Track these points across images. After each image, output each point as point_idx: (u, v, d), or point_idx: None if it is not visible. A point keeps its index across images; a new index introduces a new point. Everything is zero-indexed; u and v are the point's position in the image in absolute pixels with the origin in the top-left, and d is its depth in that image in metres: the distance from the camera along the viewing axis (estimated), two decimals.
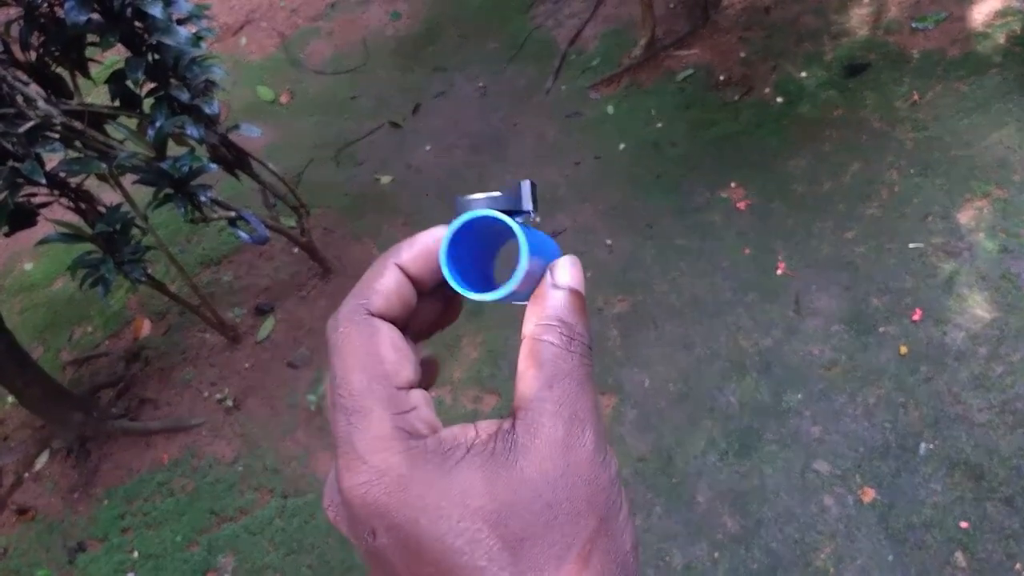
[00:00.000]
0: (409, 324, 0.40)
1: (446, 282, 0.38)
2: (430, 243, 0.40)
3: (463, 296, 0.38)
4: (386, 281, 0.39)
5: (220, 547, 3.67)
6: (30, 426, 4.27)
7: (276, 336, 4.34)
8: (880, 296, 3.74)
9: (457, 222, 0.38)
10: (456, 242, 0.39)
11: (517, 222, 0.37)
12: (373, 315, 0.38)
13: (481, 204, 0.38)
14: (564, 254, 0.42)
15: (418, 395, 0.37)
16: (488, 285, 0.38)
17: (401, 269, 0.39)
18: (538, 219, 0.41)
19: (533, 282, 0.39)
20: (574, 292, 0.39)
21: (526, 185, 0.39)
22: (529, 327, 0.38)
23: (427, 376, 0.43)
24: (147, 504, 3.87)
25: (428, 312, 0.43)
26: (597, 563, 0.34)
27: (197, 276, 4.64)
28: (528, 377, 0.36)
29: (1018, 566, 2.98)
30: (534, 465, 0.34)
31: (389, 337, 0.37)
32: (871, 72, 4.66)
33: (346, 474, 0.35)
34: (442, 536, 0.33)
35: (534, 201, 0.39)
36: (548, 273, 0.39)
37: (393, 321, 0.38)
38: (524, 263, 0.37)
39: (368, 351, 0.37)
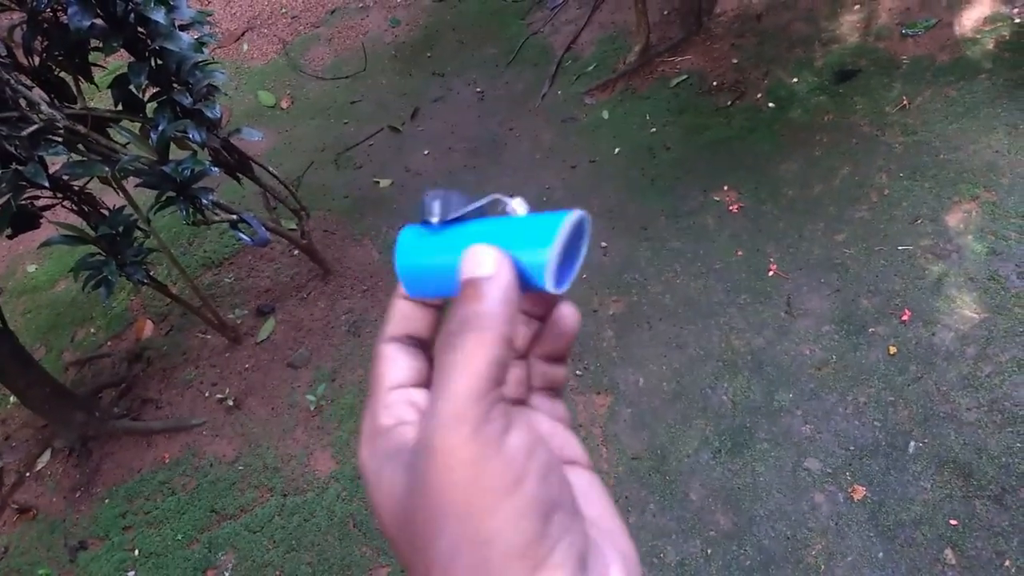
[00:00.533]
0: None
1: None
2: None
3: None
4: (391, 313, 0.47)
5: (220, 545, 3.71)
6: (32, 426, 4.31)
7: (276, 337, 4.39)
8: (870, 297, 3.79)
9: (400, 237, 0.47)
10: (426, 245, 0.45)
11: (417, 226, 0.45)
12: (385, 341, 0.46)
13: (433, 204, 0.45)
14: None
15: (397, 393, 0.43)
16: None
17: (403, 297, 0.47)
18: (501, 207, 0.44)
19: None
20: (475, 282, 0.39)
21: (424, 199, 0.45)
22: None
23: (561, 332, 0.47)
24: (148, 503, 3.92)
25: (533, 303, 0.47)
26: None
27: (198, 278, 4.69)
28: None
29: (1007, 563, 3.03)
30: (410, 468, 0.37)
31: (386, 354, 0.45)
32: (861, 78, 4.73)
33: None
34: (381, 520, 0.39)
35: (431, 211, 0.44)
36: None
37: (408, 335, 0.46)
38: (399, 266, 0.45)
39: (373, 369, 0.45)
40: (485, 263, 0.39)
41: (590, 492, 0.42)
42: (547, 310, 0.47)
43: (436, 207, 0.44)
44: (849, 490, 3.29)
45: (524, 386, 0.47)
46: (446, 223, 0.44)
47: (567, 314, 0.46)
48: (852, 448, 3.39)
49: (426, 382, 0.44)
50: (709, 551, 3.26)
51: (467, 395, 0.35)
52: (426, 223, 0.45)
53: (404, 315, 0.46)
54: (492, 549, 0.33)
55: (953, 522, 3.13)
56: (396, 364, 0.44)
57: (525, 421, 0.36)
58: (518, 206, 0.42)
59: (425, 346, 0.46)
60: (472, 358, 0.35)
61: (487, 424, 0.34)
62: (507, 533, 0.33)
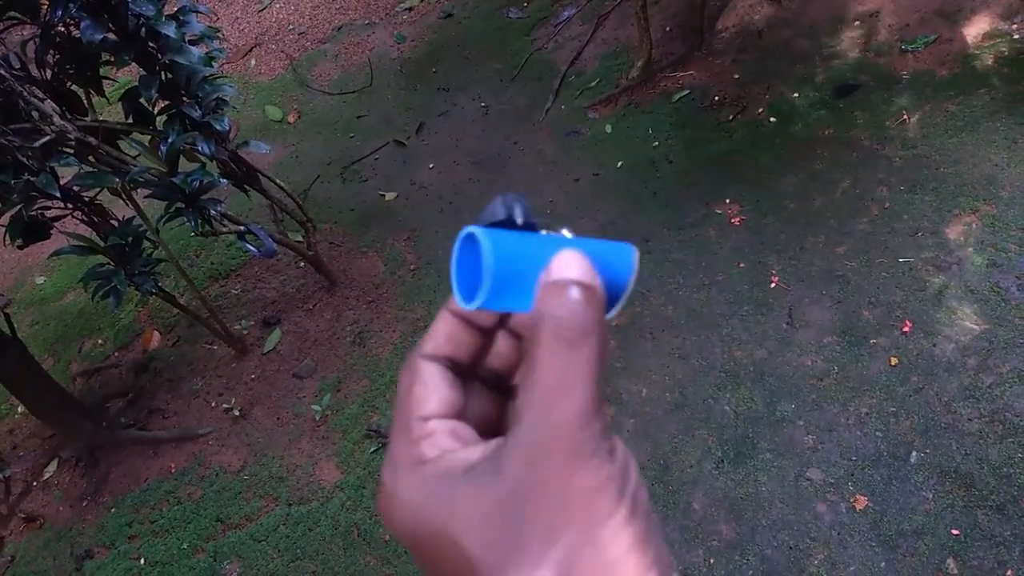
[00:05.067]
0: (480, 356, 0.44)
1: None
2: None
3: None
4: (436, 327, 0.43)
5: (226, 554, 3.73)
6: (40, 436, 4.35)
7: (282, 348, 4.43)
8: (871, 309, 3.82)
9: (457, 243, 0.40)
10: (477, 265, 0.40)
11: (486, 229, 0.39)
12: (423, 357, 0.42)
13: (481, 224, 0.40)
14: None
15: (437, 423, 0.39)
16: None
17: (454, 313, 0.43)
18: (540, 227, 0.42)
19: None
20: (567, 284, 0.36)
21: (498, 201, 0.41)
22: (527, 333, 0.38)
23: None
24: (154, 512, 3.94)
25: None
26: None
27: (206, 289, 4.73)
28: (520, 387, 0.36)
29: (1009, 573, 3.03)
30: (509, 481, 0.34)
31: (426, 375, 0.41)
32: (861, 93, 4.77)
33: (378, 498, 0.40)
34: (440, 554, 0.35)
35: (513, 212, 0.41)
36: (544, 273, 0.38)
37: (450, 357, 0.42)
38: (490, 273, 0.37)
39: (404, 389, 0.41)
40: (584, 271, 0.37)
41: None
42: None
43: (518, 209, 0.41)
44: (851, 500, 3.30)
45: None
46: (520, 229, 0.40)
47: None
48: (854, 458, 3.40)
49: (461, 414, 0.41)
50: (712, 560, 3.27)
51: (577, 421, 0.34)
52: (496, 226, 0.40)
53: (450, 334, 0.42)
54: (606, 554, 0.33)
55: (955, 532, 3.14)
56: (436, 392, 0.41)
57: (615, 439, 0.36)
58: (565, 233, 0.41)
59: (462, 372, 0.43)
60: (578, 375, 0.34)
61: (595, 456, 0.34)
62: (621, 538, 0.33)
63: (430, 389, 0.40)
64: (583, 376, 0.34)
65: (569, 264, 0.37)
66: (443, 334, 0.42)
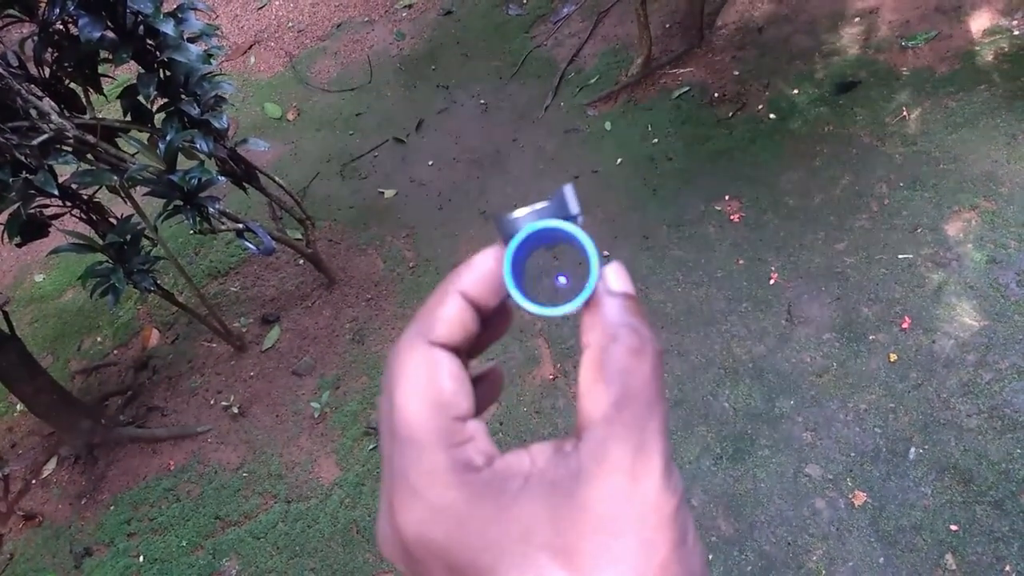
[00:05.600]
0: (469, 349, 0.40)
1: (504, 300, 0.39)
2: (490, 265, 0.39)
3: (518, 311, 0.38)
4: (448, 309, 0.38)
5: (224, 551, 3.74)
6: (39, 433, 4.35)
7: (281, 345, 4.43)
8: (870, 305, 3.82)
9: (518, 238, 0.37)
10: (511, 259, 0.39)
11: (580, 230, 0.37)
12: (434, 344, 0.37)
13: (530, 218, 0.38)
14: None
15: (475, 425, 0.36)
16: (534, 296, 0.38)
17: (463, 296, 0.39)
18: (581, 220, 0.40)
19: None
20: (631, 297, 0.37)
21: (569, 189, 0.38)
22: (593, 335, 0.36)
23: (493, 388, 0.43)
24: (153, 510, 3.95)
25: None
26: None
27: (205, 287, 4.73)
28: (595, 393, 0.34)
29: (1007, 568, 3.04)
30: (599, 496, 0.32)
31: (448, 367, 0.37)
32: (861, 89, 4.77)
33: (400, 509, 0.35)
34: (504, 574, 0.32)
35: (573, 207, 0.39)
36: (600, 280, 0.38)
37: (454, 348, 0.38)
38: (596, 273, 0.36)
39: (426, 381, 0.36)
40: (630, 283, 0.38)
41: None
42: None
43: (574, 197, 0.38)
44: (850, 496, 3.31)
45: None
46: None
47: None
48: (853, 454, 3.41)
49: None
50: (711, 556, 3.27)
51: (664, 440, 0.34)
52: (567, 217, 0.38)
53: (462, 321, 0.38)
54: (692, 569, 0.33)
55: (954, 527, 3.14)
56: (464, 387, 0.37)
57: None
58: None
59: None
60: (660, 390, 0.34)
61: (674, 474, 0.34)
62: (697, 554, 0.34)
63: (459, 385, 0.37)
64: (660, 389, 0.34)
65: (622, 275, 0.38)
66: (456, 320, 0.38)
